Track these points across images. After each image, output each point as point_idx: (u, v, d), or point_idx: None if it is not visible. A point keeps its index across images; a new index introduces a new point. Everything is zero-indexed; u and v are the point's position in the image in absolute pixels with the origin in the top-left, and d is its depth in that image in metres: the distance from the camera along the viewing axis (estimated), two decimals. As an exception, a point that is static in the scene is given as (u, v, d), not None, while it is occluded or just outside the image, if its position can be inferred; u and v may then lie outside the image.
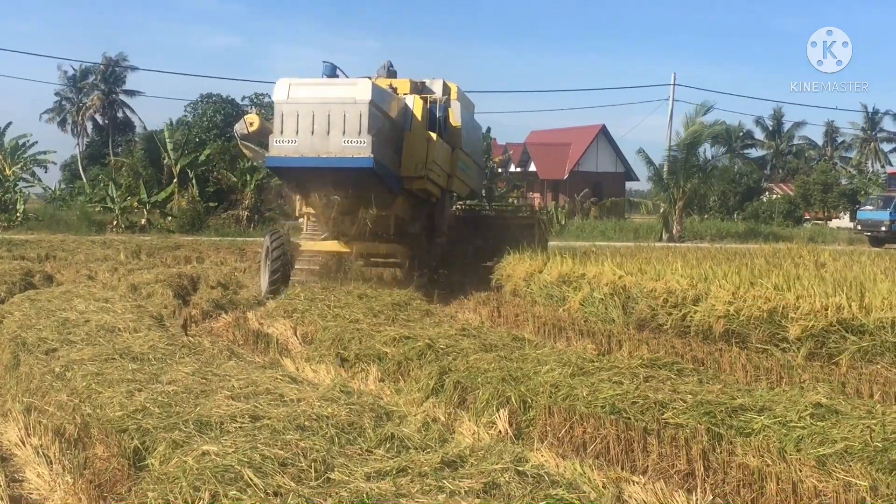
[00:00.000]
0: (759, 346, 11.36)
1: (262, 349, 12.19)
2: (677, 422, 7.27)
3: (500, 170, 55.84)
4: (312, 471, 5.81)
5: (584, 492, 5.75)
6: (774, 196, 76.51)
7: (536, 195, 68.63)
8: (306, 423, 6.90)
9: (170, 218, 45.49)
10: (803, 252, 21.18)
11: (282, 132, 17.02)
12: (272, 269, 18.24)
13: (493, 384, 8.69)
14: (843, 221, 65.36)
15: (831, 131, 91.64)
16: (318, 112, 16.89)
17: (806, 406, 7.28)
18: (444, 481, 5.64)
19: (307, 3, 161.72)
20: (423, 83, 19.99)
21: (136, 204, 46.09)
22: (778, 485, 6.24)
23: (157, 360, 9.62)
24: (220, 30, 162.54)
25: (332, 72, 18.97)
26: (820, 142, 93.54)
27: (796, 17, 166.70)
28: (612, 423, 7.51)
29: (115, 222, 44.04)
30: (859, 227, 47.98)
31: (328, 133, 16.79)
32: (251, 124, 18.64)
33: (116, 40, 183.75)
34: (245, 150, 19.77)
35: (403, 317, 13.64)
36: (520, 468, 5.89)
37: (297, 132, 16.94)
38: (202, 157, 50.23)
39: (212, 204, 48.78)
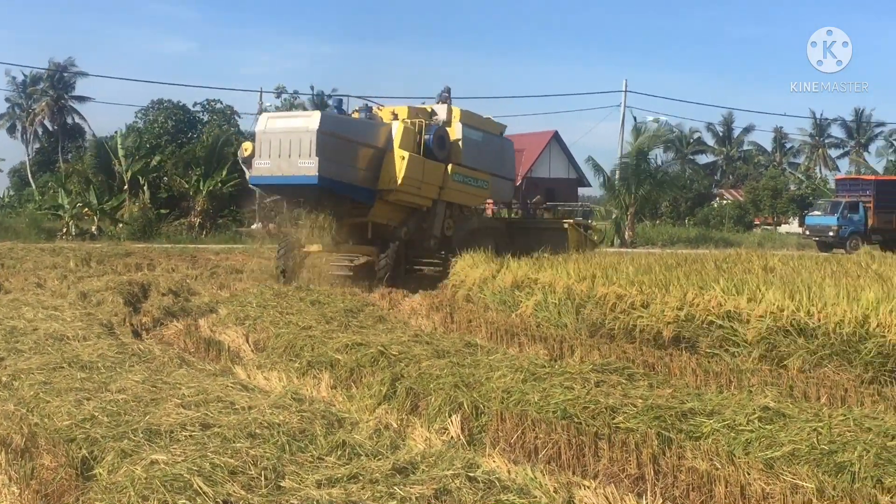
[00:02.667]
0: (708, 350, 11.46)
1: (213, 357, 12.08)
2: (628, 426, 7.32)
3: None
4: (263, 479, 5.79)
5: (535, 497, 5.77)
6: (724, 202, 77.30)
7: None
8: (257, 430, 6.88)
9: (121, 225, 45.03)
10: (753, 257, 21.41)
11: (260, 156, 21.22)
12: (277, 265, 22.30)
13: (445, 390, 8.69)
14: (792, 227, 66.16)
15: (780, 137, 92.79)
16: (284, 139, 20.84)
17: (754, 410, 7.37)
18: (396, 488, 5.64)
19: (262, 9, 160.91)
20: (431, 108, 23.82)
21: (86, 211, 45.62)
22: (726, 488, 6.30)
23: (106, 369, 9.54)
24: (173, 35, 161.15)
25: (339, 105, 23.44)
26: (769, 148, 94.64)
27: (751, 25, 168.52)
28: (563, 428, 7.54)
29: (65, 229, 43.51)
30: (807, 233, 48.55)
31: (290, 156, 20.63)
32: (245, 150, 22.32)
33: (67, 45, 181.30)
34: (246, 173, 22.99)
35: (356, 323, 13.62)
36: (471, 474, 5.90)
37: (269, 155, 21.02)
38: (153, 164, 49.87)
39: (163, 211, 48.43)
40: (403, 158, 21.69)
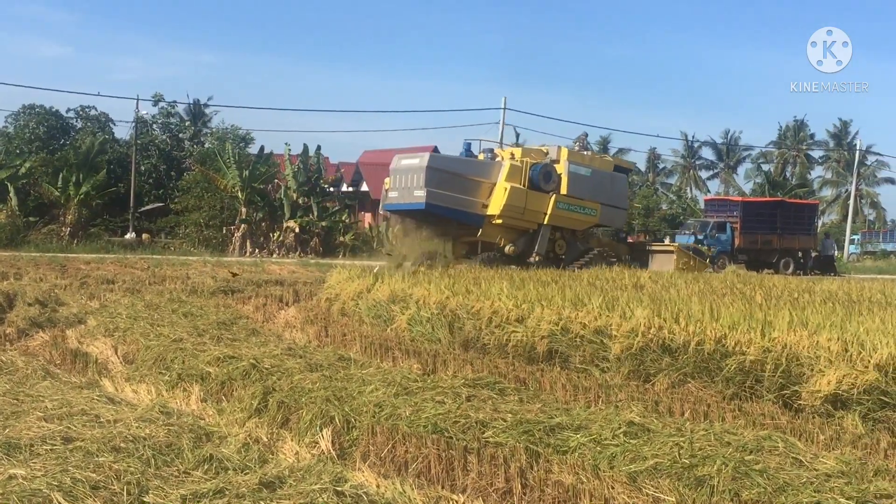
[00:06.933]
0: (580, 366, 11.65)
1: (80, 369, 11.78)
2: (497, 441, 7.37)
3: (330, 188, 55.89)
4: (125, 493, 5.66)
5: (403, 511, 5.79)
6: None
7: (368, 214, 68.75)
8: (122, 444, 6.73)
9: (-14, 232, 43.63)
10: (624, 274, 21.85)
11: (391, 188, 28.01)
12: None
13: (317, 404, 8.64)
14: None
15: (654, 158, 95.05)
16: (407, 174, 27.33)
17: (620, 424, 7.50)
18: (262, 502, 5.59)
19: (141, 16, 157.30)
20: (546, 149, 30.26)
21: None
22: (591, 501, 6.40)
23: (-36, 381, 9.23)
24: (47, 39, 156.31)
25: (468, 148, 29.70)
26: (643, 168, 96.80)
27: (625, 45, 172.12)
28: (433, 442, 7.56)
29: (-74, 236, 42.00)
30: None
31: (409, 187, 26.98)
32: (386, 184, 28.83)
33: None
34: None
35: (229, 336, 13.44)
36: (339, 488, 5.87)
37: (397, 187, 27.64)
38: (22, 170, 48.52)
39: (32, 218, 47.15)
40: (506, 190, 27.71)
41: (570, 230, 30.04)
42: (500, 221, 27.95)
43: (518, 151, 29.91)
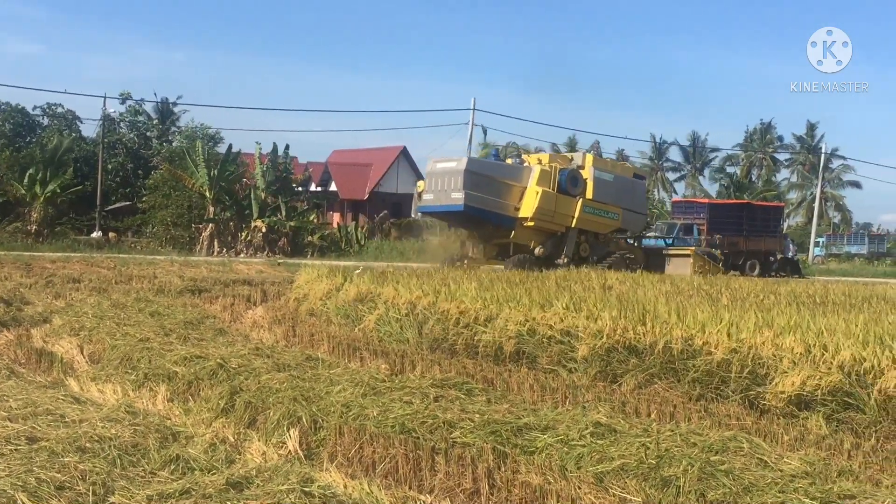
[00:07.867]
0: (547, 366, 11.67)
1: (45, 368, 11.69)
2: (465, 441, 7.38)
3: (299, 188, 55.76)
4: (91, 494, 5.64)
5: (371, 511, 5.79)
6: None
7: (336, 214, 68.69)
8: (87, 444, 6.69)
9: (-50, 230, 43.24)
10: (592, 275, 21.94)
11: (427, 190, 29.34)
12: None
13: (284, 404, 8.62)
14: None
15: (621, 159, 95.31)
16: (443, 177, 28.56)
17: (587, 425, 7.52)
18: (229, 503, 5.58)
19: (115, 13, 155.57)
20: (571, 156, 32.45)
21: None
22: (558, 501, 6.42)
23: (-73, 381, 9.15)
24: (18, 36, 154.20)
25: (496, 153, 32.34)
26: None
27: (600, 48, 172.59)
28: (401, 442, 7.56)
29: None
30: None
31: (446, 189, 28.15)
32: (419, 187, 30.60)
33: None
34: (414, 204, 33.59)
35: (196, 336, 13.37)
36: (306, 489, 5.87)
37: (432, 190, 28.92)
38: (-14, 168, 48.15)
39: (-4, 216, 46.83)
40: (537, 194, 28.95)
41: (594, 233, 31.30)
42: (531, 224, 29.19)
43: (545, 157, 31.55)
